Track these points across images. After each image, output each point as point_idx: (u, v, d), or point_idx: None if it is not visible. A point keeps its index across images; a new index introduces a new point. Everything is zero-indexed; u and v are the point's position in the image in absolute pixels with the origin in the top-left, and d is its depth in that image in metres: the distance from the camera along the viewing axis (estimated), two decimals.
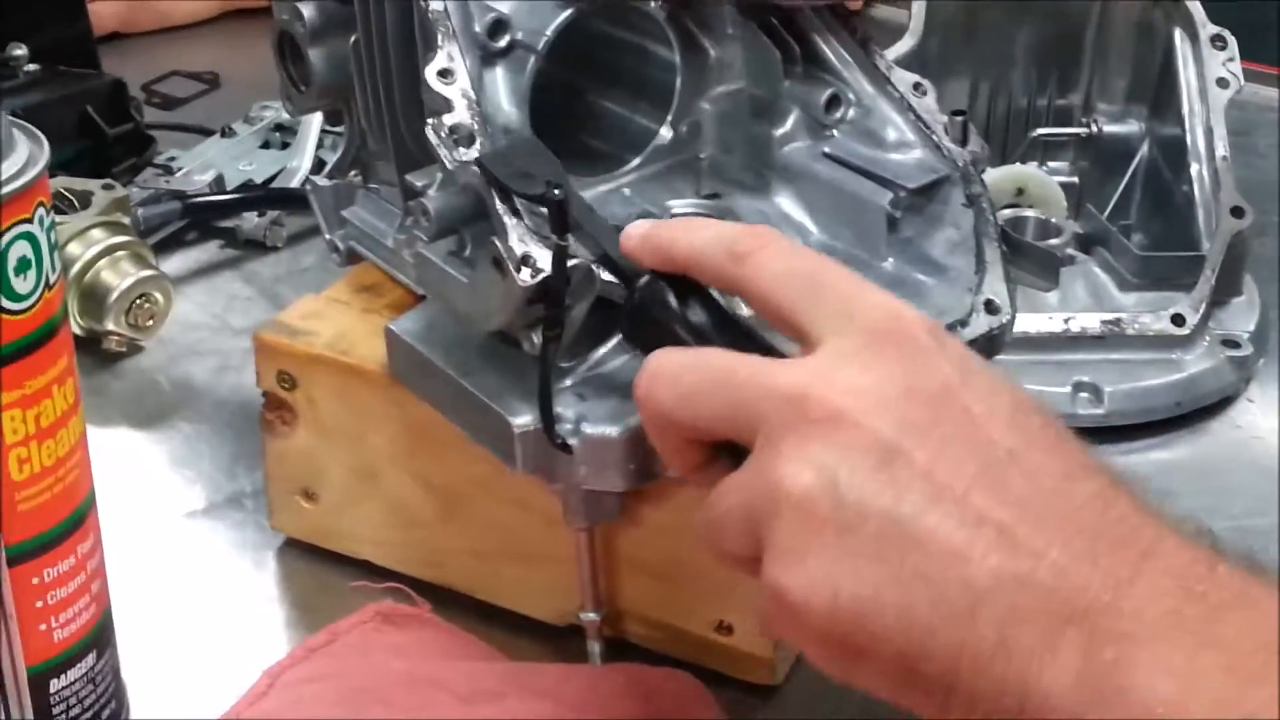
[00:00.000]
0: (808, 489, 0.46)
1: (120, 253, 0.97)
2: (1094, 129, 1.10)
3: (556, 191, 0.57)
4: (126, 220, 1.00)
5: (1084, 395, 0.91)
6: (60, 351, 0.58)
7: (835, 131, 0.74)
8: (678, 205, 0.74)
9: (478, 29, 0.69)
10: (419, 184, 0.70)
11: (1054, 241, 0.99)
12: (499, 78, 0.71)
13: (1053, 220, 1.02)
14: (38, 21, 1.15)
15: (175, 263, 1.09)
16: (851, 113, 0.74)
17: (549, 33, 0.70)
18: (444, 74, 0.67)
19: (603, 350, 0.66)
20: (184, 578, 0.80)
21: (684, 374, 0.52)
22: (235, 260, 1.10)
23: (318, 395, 0.76)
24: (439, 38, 0.68)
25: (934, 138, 0.72)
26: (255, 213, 1.10)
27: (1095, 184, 1.10)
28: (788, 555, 0.46)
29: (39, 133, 0.58)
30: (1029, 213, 1.02)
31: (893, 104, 0.73)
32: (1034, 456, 0.46)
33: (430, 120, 0.65)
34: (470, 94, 0.66)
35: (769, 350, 0.54)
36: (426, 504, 0.75)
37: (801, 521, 0.46)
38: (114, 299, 0.95)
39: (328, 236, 0.85)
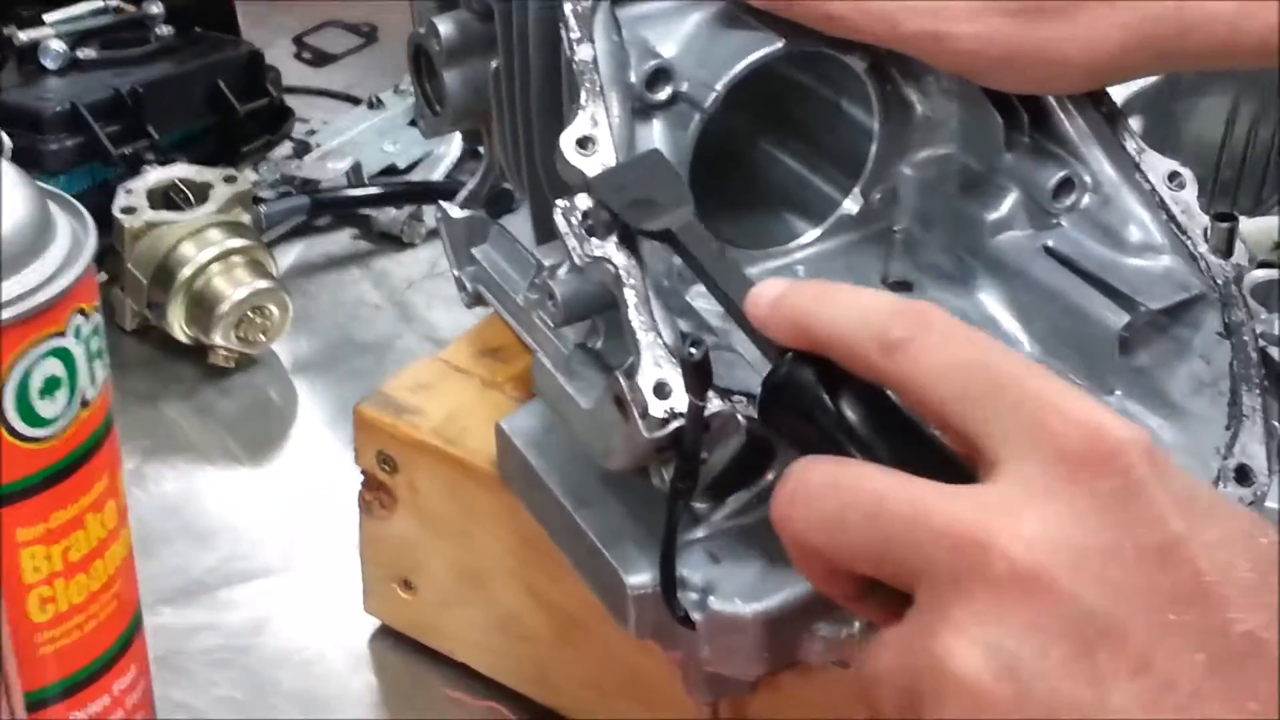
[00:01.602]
0: (980, 676, 0.38)
1: (236, 258, 0.90)
2: None
3: (693, 350, 0.47)
4: (247, 218, 0.92)
5: None
6: (98, 474, 0.50)
7: (1063, 222, 0.62)
8: None
9: (634, 78, 0.60)
10: (548, 262, 0.61)
11: None
12: (655, 135, 0.61)
13: None
14: None
15: (299, 252, 1.02)
16: (1086, 200, 0.62)
17: (719, 87, 0.60)
18: (584, 143, 0.56)
19: (747, 496, 0.55)
20: (270, 652, 0.74)
21: (827, 497, 0.42)
22: (366, 256, 1.03)
23: (421, 484, 0.67)
24: (583, 94, 0.57)
25: (1189, 244, 0.60)
26: None
27: None
28: None
29: (84, 211, 0.50)
30: None
31: (1140, 195, 0.61)
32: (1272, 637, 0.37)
33: (560, 203, 0.55)
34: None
35: (952, 464, 0.43)
36: (539, 620, 0.67)
37: (972, 715, 0.38)
38: (224, 310, 0.88)
39: (455, 273, 0.77)
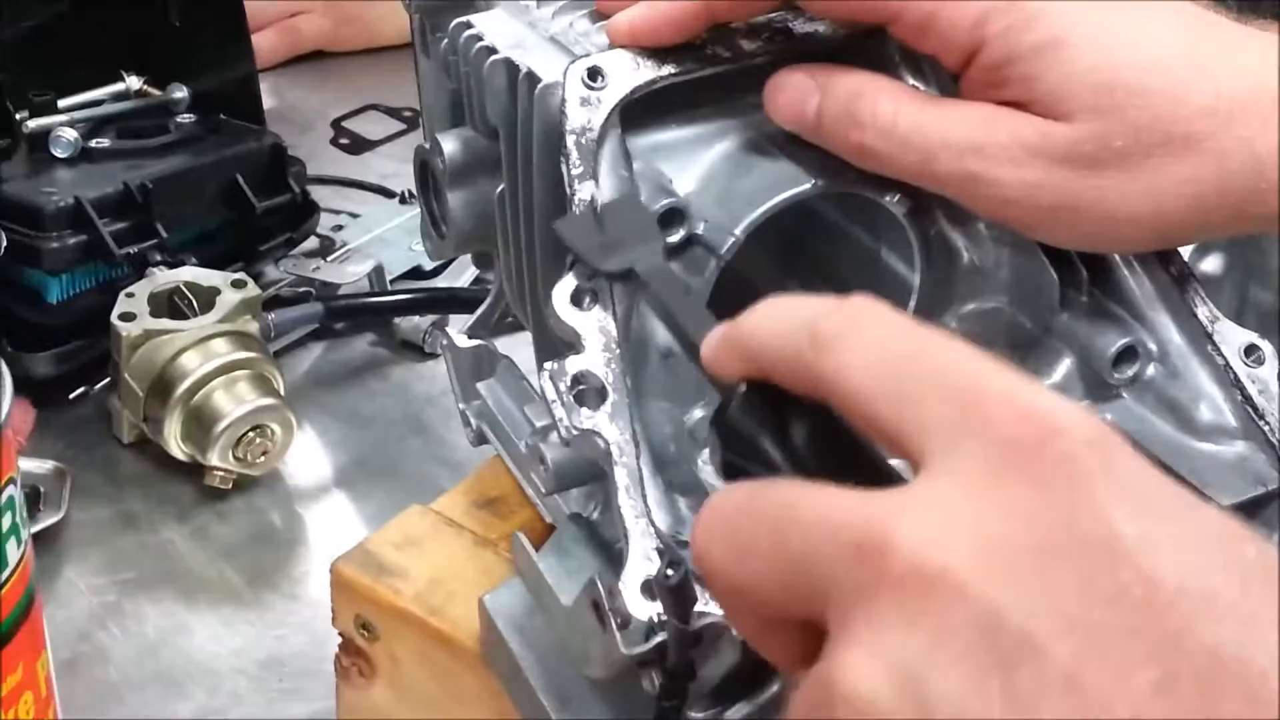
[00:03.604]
0: (877, 694, 0.33)
1: (239, 372, 0.87)
2: None
3: (669, 573, 0.42)
4: (254, 327, 0.89)
5: None
6: (10, 665, 0.46)
7: (1125, 395, 0.57)
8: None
9: None
10: (540, 423, 0.57)
11: None
12: None
13: None
14: (200, 57, 1.05)
15: (313, 359, 0.99)
16: (1151, 371, 0.57)
17: (739, 232, 0.55)
18: (579, 297, 0.52)
19: (748, 709, 0.50)
20: None
21: (742, 520, 0.38)
22: (384, 365, 1.00)
23: (402, 655, 0.63)
24: None
25: (1266, 429, 0.54)
26: None
27: None
28: None
29: (4, 371, 0.46)
30: None
31: (1212, 370, 0.56)
32: (1258, 659, 0.31)
33: (547, 366, 0.51)
34: (611, 329, 0.52)
35: (896, 481, 0.39)
36: None
37: None
38: (222, 429, 0.85)
39: (460, 406, 0.73)
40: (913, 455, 0.36)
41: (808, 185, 0.55)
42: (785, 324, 0.41)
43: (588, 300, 0.53)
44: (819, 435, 0.41)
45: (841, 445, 0.40)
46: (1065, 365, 0.58)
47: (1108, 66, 0.51)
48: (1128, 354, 0.57)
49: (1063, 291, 0.57)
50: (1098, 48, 0.52)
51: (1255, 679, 0.31)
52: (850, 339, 0.39)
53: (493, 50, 0.59)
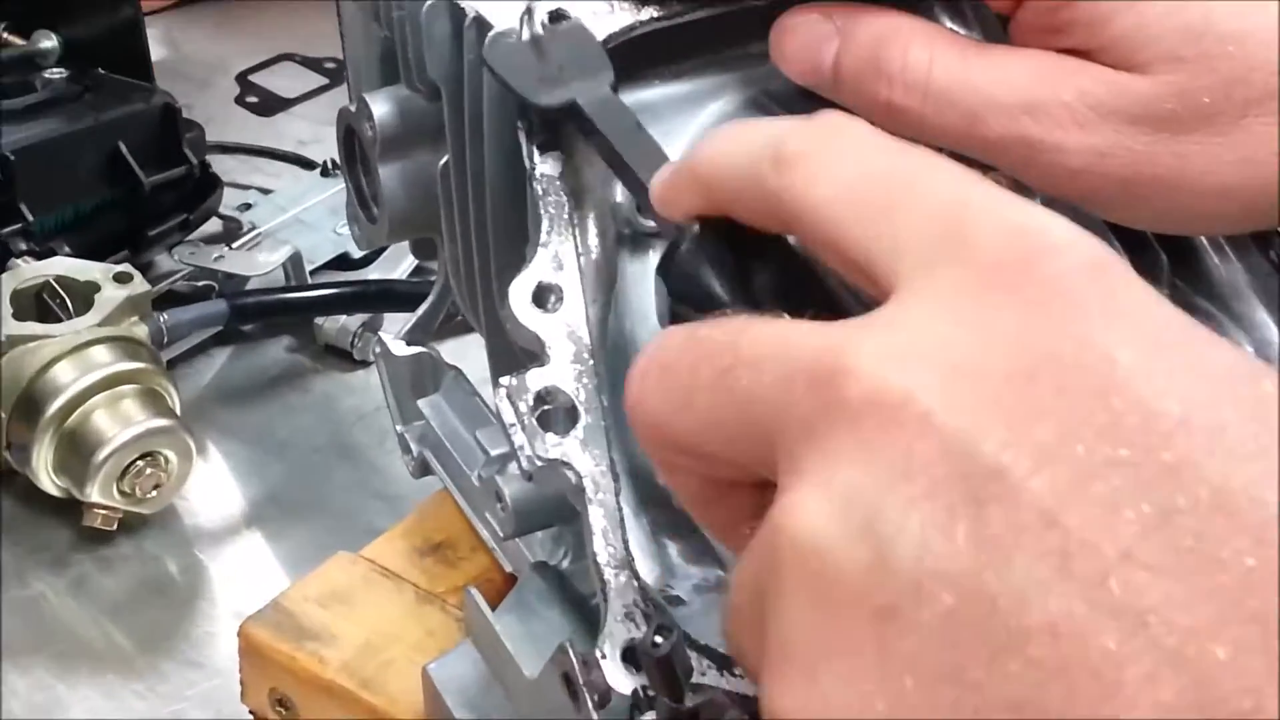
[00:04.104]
0: (825, 532, 0.34)
1: (125, 387, 0.86)
2: None
3: (658, 640, 0.42)
4: (142, 331, 0.89)
5: None
6: None
7: None
8: None
9: (620, 198, 0.55)
10: (496, 450, 0.56)
11: None
12: (649, 274, 0.55)
13: None
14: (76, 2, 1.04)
15: (216, 371, 1.00)
16: None
17: None
18: (542, 295, 0.52)
19: None
20: None
21: (681, 362, 0.39)
22: (304, 376, 1.00)
23: None
24: (545, 223, 0.53)
25: None
26: None
27: None
28: (787, 663, 0.35)
29: None
30: None
31: None
32: (1267, 499, 0.32)
33: (503, 382, 0.50)
34: (583, 334, 0.51)
35: None
36: None
37: (811, 598, 0.34)
38: (104, 457, 0.84)
39: (399, 429, 0.74)
40: (883, 284, 0.37)
41: None
42: (746, 145, 0.42)
43: (553, 300, 0.52)
44: (782, 281, 0.42)
45: (808, 291, 0.41)
46: None
47: (1194, 5, 0.51)
48: None
49: None
50: None
51: (1264, 519, 0.31)
52: (820, 155, 0.40)
53: None
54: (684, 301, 0.44)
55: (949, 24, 0.57)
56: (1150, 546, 0.32)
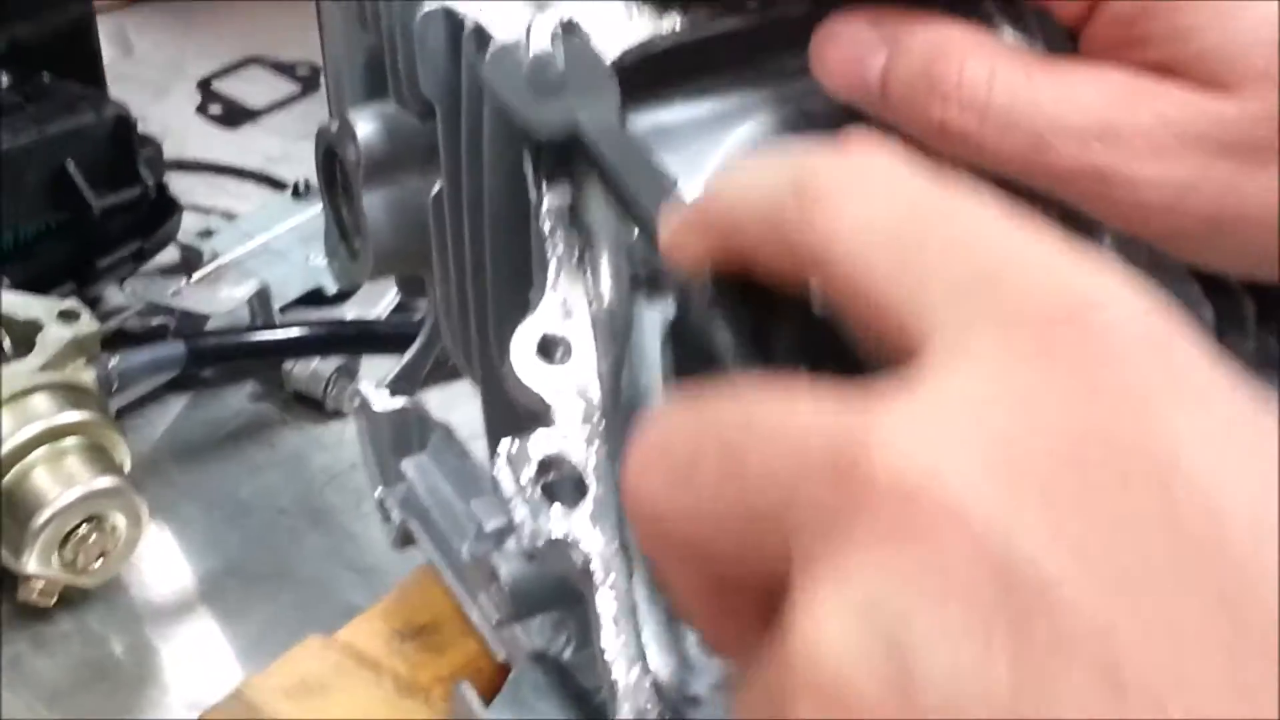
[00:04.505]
0: (843, 655, 0.34)
1: (68, 441, 0.88)
2: None
3: None
4: (89, 376, 0.91)
5: None
6: None
7: None
8: None
9: (636, 236, 0.56)
10: (491, 524, 0.57)
11: None
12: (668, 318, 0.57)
13: None
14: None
15: (171, 421, 1.01)
16: None
17: None
18: (548, 347, 0.53)
19: None
20: None
21: (681, 439, 0.39)
22: (270, 428, 1.01)
23: None
24: (552, 265, 0.54)
25: None
26: None
27: None
28: None
29: None
30: None
31: None
32: None
33: (504, 447, 0.51)
34: (592, 392, 0.53)
35: None
36: None
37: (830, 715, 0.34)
38: (42, 522, 0.86)
39: (378, 492, 0.75)
40: (912, 340, 0.37)
41: None
42: (767, 181, 0.42)
43: (560, 352, 0.53)
44: (804, 340, 0.42)
45: (832, 352, 0.41)
46: None
47: None
48: None
49: (1221, 331, 0.59)
50: None
51: None
52: (849, 194, 0.40)
53: None
54: (692, 360, 0.45)
55: (1011, 34, 0.58)
56: (1218, 678, 0.32)
